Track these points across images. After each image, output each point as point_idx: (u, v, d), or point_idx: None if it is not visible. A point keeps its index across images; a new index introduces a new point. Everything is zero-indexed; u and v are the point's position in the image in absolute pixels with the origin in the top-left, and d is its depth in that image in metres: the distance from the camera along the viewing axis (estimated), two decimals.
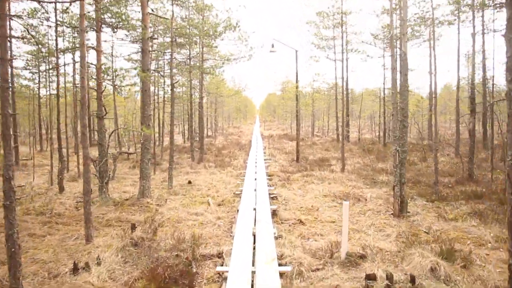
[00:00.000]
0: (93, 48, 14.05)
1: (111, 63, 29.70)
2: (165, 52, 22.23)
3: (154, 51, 17.58)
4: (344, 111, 21.01)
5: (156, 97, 31.39)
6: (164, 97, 28.11)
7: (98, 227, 11.56)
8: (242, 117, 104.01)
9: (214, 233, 10.65)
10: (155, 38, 16.05)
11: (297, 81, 24.98)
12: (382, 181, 18.09)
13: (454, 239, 9.61)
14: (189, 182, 18.66)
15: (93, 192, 16.23)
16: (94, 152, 18.49)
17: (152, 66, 29.14)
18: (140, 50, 19.36)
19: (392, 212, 12.19)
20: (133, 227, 10.27)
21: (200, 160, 25.06)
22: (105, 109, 14.05)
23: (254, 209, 12.13)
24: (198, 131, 26.11)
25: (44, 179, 20.22)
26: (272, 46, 24.56)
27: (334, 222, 11.73)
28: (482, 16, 24.68)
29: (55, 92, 20.62)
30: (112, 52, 30.20)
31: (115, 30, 14.30)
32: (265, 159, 25.02)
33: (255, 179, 17.61)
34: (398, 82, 13.63)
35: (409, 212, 12.14)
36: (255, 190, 15.21)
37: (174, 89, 28.85)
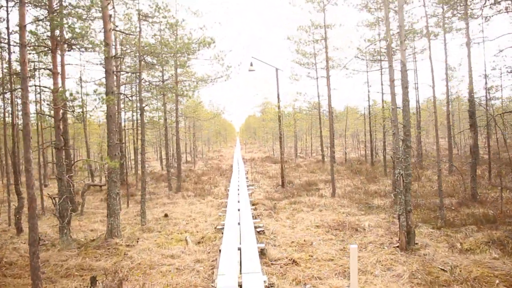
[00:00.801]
0: (49, 69, 12.42)
1: (79, 88, 27.96)
2: (137, 74, 20.70)
3: (120, 72, 16.06)
4: (331, 130, 19.69)
5: (131, 122, 29.73)
6: (136, 122, 26.44)
7: (55, 278, 9.78)
8: (222, 141, 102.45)
9: (192, 283, 8.95)
10: (119, 57, 14.53)
11: (278, 101, 23.66)
12: (378, 205, 16.67)
13: (479, 279, 8.13)
14: (166, 216, 16.93)
15: (54, 233, 14.42)
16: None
17: (127, 90, 27.59)
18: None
19: (398, 244, 10.70)
20: (93, 281, 8.52)
21: (178, 189, 23.34)
22: (64, 138, 12.35)
23: (239, 248, 10.50)
24: (176, 158, 24.46)
25: (2, 218, 18.22)
26: (251, 64, 23.26)
27: (332, 260, 10.16)
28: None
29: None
30: (81, 77, 28.51)
31: (71, 48, 12.74)
32: (248, 186, 23.44)
33: (238, 209, 16.00)
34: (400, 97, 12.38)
35: (417, 243, 10.67)
36: (238, 223, 13.59)
37: (146, 113, 27.28)
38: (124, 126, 27.77)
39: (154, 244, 12.48)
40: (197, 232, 13.87)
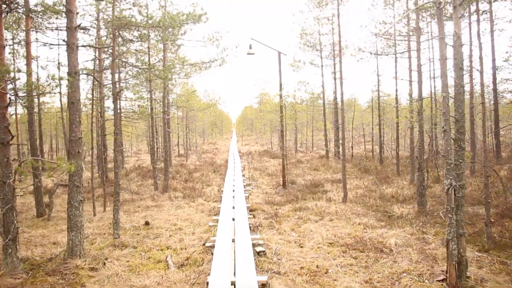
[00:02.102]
0: None
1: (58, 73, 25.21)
2: (109, 50, 17.75)
3: (89, 46, 13.40)
4: (342, 123, 17.06)
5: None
6: (115, 111, 23.71)
7: None
8: (218, 132, 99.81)
9: None
10: (85, 28, 12.01)
11: (281, 89, 20.99)
12: (400, 215, 14.11)
13: None
14: (146, 224, 14.35)
15: None
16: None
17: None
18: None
19: (444, 278, 8.16)
20: None
21: (165, 188, 20.71)
22: (10, 132, 9.68)
23: (233, 284, 7.92)
24: (164, 152, 21.85)
25: None
26: (250, 47, 20.61)
27: None
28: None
29: None
30: (59, 60, 25.81)
31: (10, 9, 10.04)
32: (244, 186, 20.82)
33: (233, 219, 13.39)
34: (417, 88, 9.79)
35: (469, 276, 8.12)
36: (233, 240, 10.99)
37: (131, 102, 24.56)
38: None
39: (126, 267, 9.90)
40: (181, 249, 11.27)
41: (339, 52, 16.42)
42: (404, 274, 8.72)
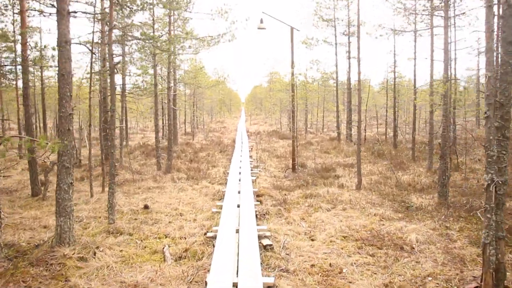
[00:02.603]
0: None
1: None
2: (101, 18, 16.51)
3: (81, 13, 12.23)
4: (359, 104, 15.88)
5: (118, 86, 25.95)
6: (123, 87, 22.65)
7: None
8: (227, 111, 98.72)
9: None
10: None
11: (292, 66, 19.76)
12: (419, 206, 13.06)
13: None
14: (145, 207, 13.45)
15: None
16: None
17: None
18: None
19: (477, 285, 7.15)
20: None
21: (168, 169, 19.76)
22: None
23: (235, 285, 6.96)
24: (167, 131, 20.84)
25: None
26: (261, 21, 19.38)
27: None
28: None
29: None
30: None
31: None
32: (252, 168, 19.83)
33: (238, 205, 12.41)
34: (442, 68, 8.67)
35: (507, 287, 7.09)
36: (237, 230, 10.03)
37: (135, 78, 23.48)
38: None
39: (118, 257, 8.99)
40: (181, 238, 10.34)
41: (357, 28, 15.12)
42: (429, 278, 7.72)
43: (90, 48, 12.88)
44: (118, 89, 27.33)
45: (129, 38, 13.68)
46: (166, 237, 10.53)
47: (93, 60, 18.39)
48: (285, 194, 15.17)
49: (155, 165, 21.50)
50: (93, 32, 13.82)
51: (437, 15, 16.14)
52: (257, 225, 10.75)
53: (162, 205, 13.86)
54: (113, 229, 10.92)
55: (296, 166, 20.18)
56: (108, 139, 10.80)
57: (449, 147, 12.70)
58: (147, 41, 10.78)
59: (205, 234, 10.37)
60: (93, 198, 15.04)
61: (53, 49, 8.88)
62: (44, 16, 11.85)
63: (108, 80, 15.25)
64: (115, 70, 11.05)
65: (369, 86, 26.68)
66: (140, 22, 18.69)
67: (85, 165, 21.90)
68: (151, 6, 11.85)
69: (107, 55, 12.25)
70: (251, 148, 28.67)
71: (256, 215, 11.85)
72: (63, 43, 9.32)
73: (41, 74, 32.77)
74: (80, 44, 11.18)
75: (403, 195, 14.60)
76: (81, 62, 57.98)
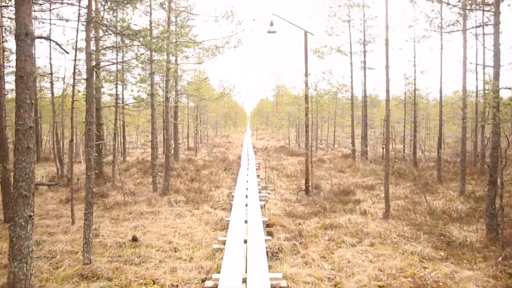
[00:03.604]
0: None
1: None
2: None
3: None
4: (387, 118, 13.65)
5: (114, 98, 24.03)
6: (116, 98, 20.68)
7: None
8: (232, 125, 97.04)
9: None
10: None
11: (306, 74, 17.71)
12: (463, 241, 10.87)
13: None
14: (134, 239, 11.34)
15: None
16: None
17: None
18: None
19: None
20: None
21: (166, 190, 17.63)
22: None
23: None
24: (164, 147, 18.76)
25: None
26: (271, 24, 17.44)
27: None
28: None
29: None
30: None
31: None
32: (259, 190, 17.69)
33: (245, 240, 10.28)
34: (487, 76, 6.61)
35: None
36: (244, 280, 7.87)
37: (130, 87, 21.47)
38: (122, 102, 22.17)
39: None
40: (172, 287, 8.22)
41: (385, 23, 13.06)
42: None
43: (74, 48, 10.96)
44: (108, 99, 25.51)
45: (109, 32, 11.75)
46: (154, 283, 8.41)
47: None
48: (299, 224, 13.03)
49: (151, 184, 19.42)
50: (77, 29, 11.92)
51: (489, 10, 14.07)
52: (269, 266, 8.64)
53: (154, 237, 11.76)
54: (88, 272, 8.79)
55: (309, 188, 18.03)
56: (87, 160, 8.72)
57: (501, 170, 10.54)
58: (132, 37, 8.81)
59: (203, 281, 8.22)
60: (75, 226, 12.94)
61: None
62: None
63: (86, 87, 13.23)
64: (96, 74, 9.03)
65: (388, 99, 24.54)
66: (134, 25, 16.83)
67: (75, 184, 19.87)
68: None
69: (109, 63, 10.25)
70: (259, 166, 26.56)
71: (267, 252, 9.71)
72: (23, 35, 7.34)
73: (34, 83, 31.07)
74: (51, 42, 9.21)
75: (439, 226, 12.40)
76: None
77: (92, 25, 9.11)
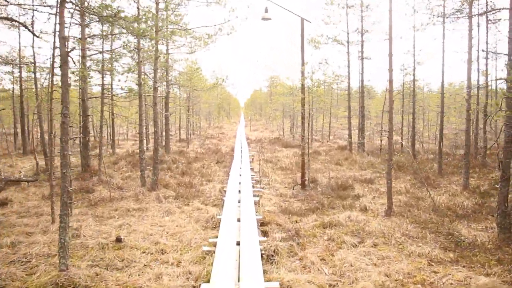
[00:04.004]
0: None
1: None
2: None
3: None
4: (392, 111, 12.76)
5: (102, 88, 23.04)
6: (109, 88, 19.72)
7: None
8: (225, 116, 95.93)
9: None
10: None
11: (303, 64, 16.82)
12: (473, 242, 10.13)
13: None
14: (118, 240, 10.51)
15: None
16: None
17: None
18: None
19: None
20: None
21: (154, 184, 16.76)
22: None
23: None
24: (154, 139, 17.82)
25: None
26: (266, 10, 16.53)
27: None
28: None
29: None
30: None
31: None
32: (253, 185, 16.87)
33: (238, 242, 9.44)
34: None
35: None
36: None
37: (118, 77, 20.51)
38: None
39: None
40: None
41: (389, 11, 12.19)
42: None
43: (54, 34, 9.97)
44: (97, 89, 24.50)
45: (87, 13, 10.82)
46: None
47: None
48: (296, 221, 12.26)
49: (140, 178, 18.52)
50: (56, 14, 10.91)
51: None
52: (264, 271, 7.86)
53: (139, 237, 10.94)
54: (64, 280, 7.93)
55: (305, 182, 17.24)
56: (61, 155, 7.82)
57: None
58: (111, 19, 7.89)
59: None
60: (55, 225, 12.02)
61: None
62: None
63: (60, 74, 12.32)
64: (70, 60, 8.11)
65: (387, 90, 23.73)
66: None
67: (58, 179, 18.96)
68: None
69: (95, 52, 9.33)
70: (252, 158, 25.72)
71: (262, 255, 8.89)
72: None
73: (20, 75, 29.97)
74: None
75: (445, 224, 11.65)
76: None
77: (73, 9, 8.24)
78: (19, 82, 30.18)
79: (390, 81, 12.35)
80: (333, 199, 15.01)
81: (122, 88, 18.59)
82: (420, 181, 18.04)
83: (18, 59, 29.00)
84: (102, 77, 19.01)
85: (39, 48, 25.61)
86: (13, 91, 32.57)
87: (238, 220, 11.24)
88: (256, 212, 12.37)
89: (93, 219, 12.70)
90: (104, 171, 17.72)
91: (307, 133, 39.38)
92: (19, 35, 28.10)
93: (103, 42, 20.53)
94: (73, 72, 18.34)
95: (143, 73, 16.94)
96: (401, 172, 20.88)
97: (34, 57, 25.59)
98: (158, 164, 16.76)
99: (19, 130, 32.09)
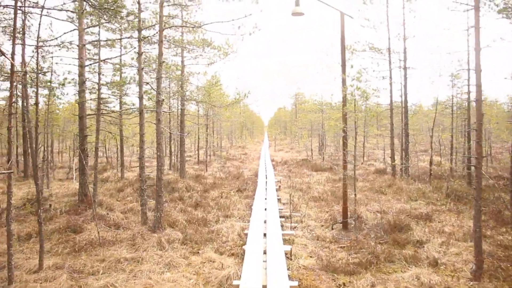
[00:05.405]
0: None
1: None
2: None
3: None
4: (481, 128, 9.30)
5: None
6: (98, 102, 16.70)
7: None
8: (248, 135, 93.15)
9: None
10: None
11: (344, 68, 13.43)
12: None
13: None
14: None
15: None
16: None
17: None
18: None
19: None
20: None
21: (157, 223, 13.49)
22: None
23: None
24: (157, 164, 14.63)
25: None
26: (297, 3, 13.36)
27: None
28: None
29: None
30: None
31: None
32: (282, 222, 13.54)
33: None
34: None
35: None
36: None
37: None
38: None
39: None
40: None
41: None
42: None
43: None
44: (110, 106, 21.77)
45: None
46: None
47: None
48: (344, 285, 8.83)
49: (147, 211, 15.30)
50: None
51: None
52: None
53: None
54: None
55: (347, 220, 13.78)
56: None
57: None
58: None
59: None
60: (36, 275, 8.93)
61: None
62: None
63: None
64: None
65: (437, 107, 20.22)
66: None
67: (48, 210, 15.97)
68: None
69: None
70: (279, 186, 22.37)
71: None
72: None
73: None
74: None
75: None
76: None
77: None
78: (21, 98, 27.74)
79: (478, 85, 8.90)
80: (388, 246, 11.51)
81: (120, 103, 15.54)
82: (490, 217, 14.46)
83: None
84: (99, 90, 16.13)
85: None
86: (16, 108, 30.15)
87: None
88: (288, 269, 9.04)
89: (69, 276, 9.55)
90: (117, 200, 14.61)
91: (334, 151, 35.77)
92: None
93: (99, 50, 17.73)
94: (69, 82, 15.60)
95: (144, 83, 13.83)
96: (460, 203, 17.26)
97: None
98: (162, 197, 13.50)
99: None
